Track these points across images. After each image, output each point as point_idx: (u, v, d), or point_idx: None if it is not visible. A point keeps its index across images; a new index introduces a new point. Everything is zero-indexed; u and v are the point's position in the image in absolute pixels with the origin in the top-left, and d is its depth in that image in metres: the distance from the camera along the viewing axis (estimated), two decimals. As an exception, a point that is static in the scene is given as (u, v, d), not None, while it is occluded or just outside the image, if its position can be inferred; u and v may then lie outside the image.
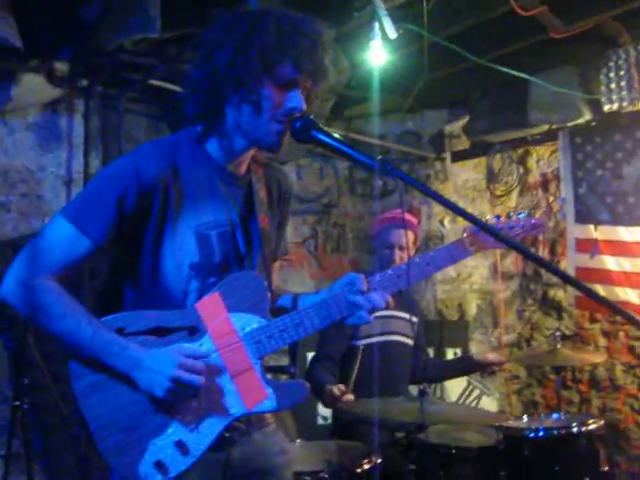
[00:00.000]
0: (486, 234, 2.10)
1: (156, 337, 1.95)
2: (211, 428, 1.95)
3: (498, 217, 2.28)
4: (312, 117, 1.97)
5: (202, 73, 1.98)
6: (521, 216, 2.29)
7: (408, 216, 4.15)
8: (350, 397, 3.48)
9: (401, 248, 3.84)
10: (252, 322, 2.01)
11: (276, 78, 1.93)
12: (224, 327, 1.99)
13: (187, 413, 1.93)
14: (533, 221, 2.29)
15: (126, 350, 1.88)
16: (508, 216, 2.29)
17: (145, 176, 1.94)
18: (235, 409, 1.97)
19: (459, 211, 1.83)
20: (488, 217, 2.30)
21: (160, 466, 1.90)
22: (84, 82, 4.67)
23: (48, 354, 4.09)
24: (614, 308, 1.74)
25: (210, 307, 2.00)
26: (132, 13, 3.77)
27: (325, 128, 1.95)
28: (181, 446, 1.91)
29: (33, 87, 4.30)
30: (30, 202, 4.53)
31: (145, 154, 2.02)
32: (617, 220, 5.06)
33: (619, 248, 5.06)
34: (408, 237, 3.91)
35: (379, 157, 1.86)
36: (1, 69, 4.09)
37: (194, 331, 1.98)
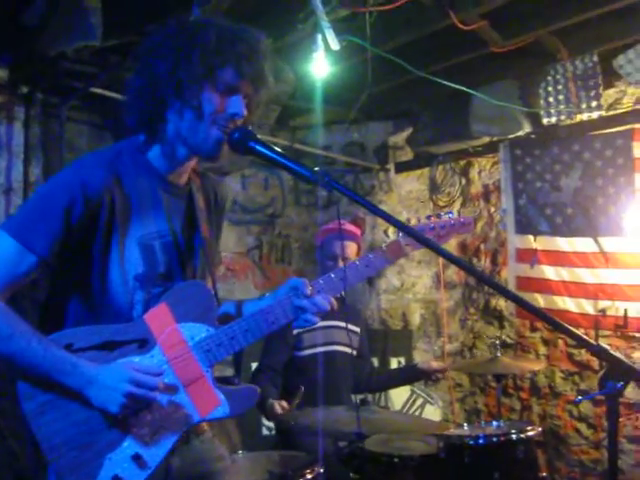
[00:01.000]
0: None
1: (106, 352, 1.93)
2: (166, 439, 1.95)
3: (429, 217, 2.37)
4: (249, 128, 1.98)
5: (143, 80, 1.98)
6: (451, 215, 2.38)
7: (351, 227, 4.17)
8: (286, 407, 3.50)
9: (344, 259, 3.86)
10: (201, 331, 2.02)
11: (217, 83, 1.94)
12: (173, 338, 1.99)
13: (142, 426, 1.92)
14: (462, 219, 2.38)
15: (77, 367, 1.85)
16: (438, 216, 2.38)
17: (91, 188, 1.92)
18: (189, 418, 1.98)
19: (386, 217, 1.86)
20: (420, 217, 2.38)
21: None
22: (24, 89, 4.59)
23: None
24: (549, 320, 1.77)
25: (158, 318, 1.99)
26: (73, 21, 3.72)
27: (262, 140, 1.96)
28: (137, 459, 1.91)
29: (-29, 94, 4.22)
30: (-33, 211, 4.44)
31: (89, 165, 1.99)
32: (556, 231, 5.17)
33: (558, 258, 5.17)
34: (351, 248, 3.94)
35: (316, 169, 1.88)
36: (-62, 75, 4.01)
37: (144, 343, 1.97)
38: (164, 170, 2.08)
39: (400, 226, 1.93)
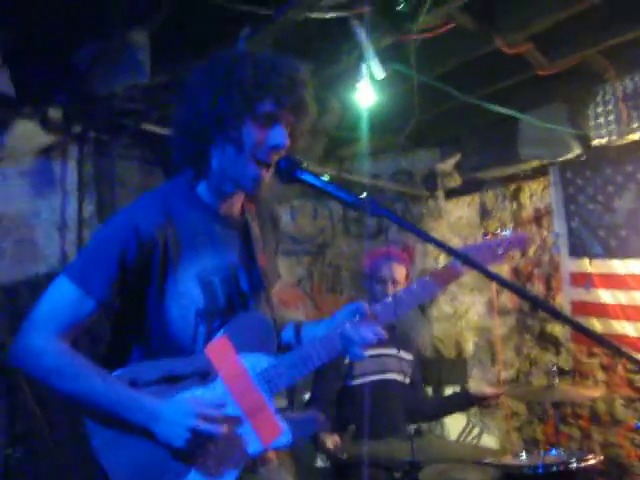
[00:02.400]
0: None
1: (168, 385, 1.95)
2: (231, 469, 1.96)
3: (486, 235, 2.36)
4: (296, 158, 1.99)
5: (186, 117, 2.02)
6: (507, 232, 2.36)
7: (399, 250, 4.16)
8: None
9: (394, 282, 3.83)
10: (262, 361, 2.04)
11: (257, 115, 1.96)
12: (235, 369, 2.01)
13: (207, 457, 1.93)
14: (519, 235, 2.39)
15: (142, 403, 1.88)
16: (495, 234, 2.36)
17: (144, 230, 1.96)
18: (253, 447, 1.99)
19: (436, 242, 1.85)
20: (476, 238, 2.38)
21: None
22: (78, 128, 4.69)
23: (43, 400, 4.06)
24: (607, 344, 1.73)
25: (219, 350, 2.02)
26: (122, 59, 3.81)
27: (309, 168, 1.96)
28: None
29: (26, 134, 4.33)
30: (24, 248, 4.53)
31: (141, 207, 2.04)
32: (610, 253, 5.08)
33: (614, 281, 5.06)
34: (400, 271, 3.91)
35: (363, 195, 1.88)
36: (-6, 117, 4.13)
37: (205, 376, 1.99)
38: (215, 204, 2.11)
39: (449, 249, 1.91)
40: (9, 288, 4.34)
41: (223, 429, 1.90)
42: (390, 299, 2.14)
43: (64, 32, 3.76)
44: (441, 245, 1.87)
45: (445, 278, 2.27)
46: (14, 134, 4.24)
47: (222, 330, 2.05)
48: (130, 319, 2.05)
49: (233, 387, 2.00)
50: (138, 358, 2.04)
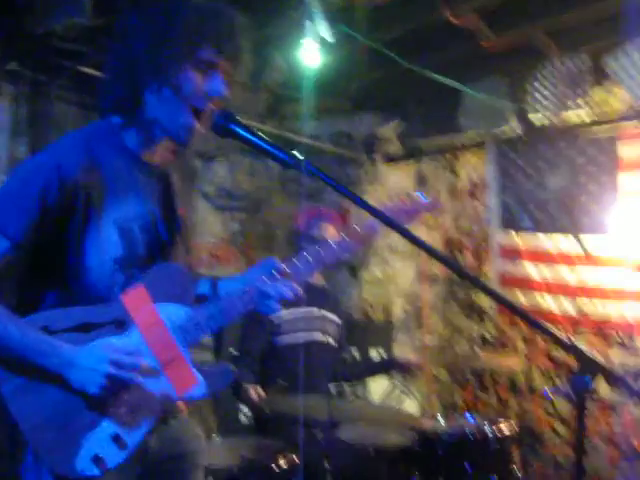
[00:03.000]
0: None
1: (82, 333, 1.91)
2: (145, 419, 1.95)
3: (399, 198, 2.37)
4: (231, 111, 1.96)
5: (120, 61, 1.96)
6: (421, 194, 2.37)
7: (331, 211, 4.18)
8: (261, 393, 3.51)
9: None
10: (178, 311, 2.02)
11: (197, 61, 1.93)
12: (151, 318, 1.99)
13: (120, 406, 1.91)
14: (425, 200, 2.36)
15: (56, 349, 1.83)
16: (409, 195, 2.37)
17: (67, 170, 1.89)
18: (167, 398, 1.98)
19: (359, 202, 1.85)
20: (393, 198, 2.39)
21: (97, 460, 1.88)
22: (13, 65, 4.55)
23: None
24: (528, 318, 1.78)
25: (136, 299, 1.98)
26: (63, -3, 3.71)
27: (244, 122, 1.94)
28: (117, 439, 1.90)
29: (-42, 69, 4.19)
30: (-50, 187, 4.41)
31: (64, 147, 1.97)
32: (538, 227, 5.20)
33: (540, 256, 5.20)
34: (332, 231, 3.93)
35: (295, 152, 1.87)
36: None
37: (121, 324, 1.96)
38: (139, 151, 2.06)
39: (374, 211, 1.91)
40: None
41: (137, 376, 1.87)
42: (306, 255, 2.13)
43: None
44: (365, 206, 1.88)
45: (363, 236, 2.27)
46: (-55, 68, 4.09)
47: (140, 278, 2.01)
48: (46, 263, 1.97)
49: (148, 336, 1.97)
50: (52, 305, 1.97)
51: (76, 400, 1.88)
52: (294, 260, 2.12)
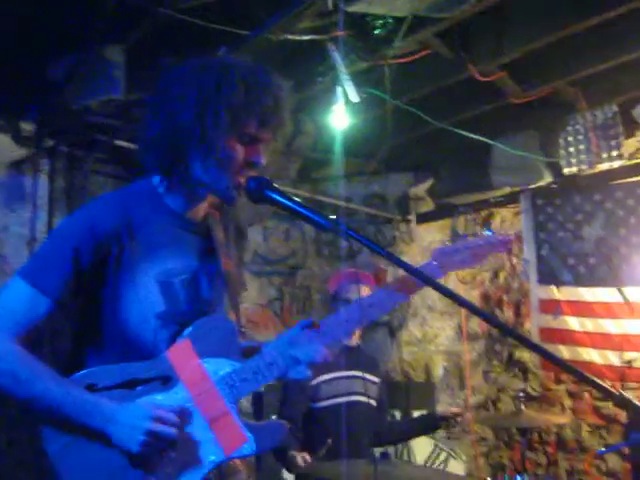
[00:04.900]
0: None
1: (128, 390, 1.91)
2: (190, 478, 1.91)
3: (466, 236, 2.29)
4: (266, 177, 1.97)
5: (164, 125, 1.97)
6: (489, 232, 2.28)
7: (365, 273, 4.17)
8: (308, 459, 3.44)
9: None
10: (224, 366, 2.00)
11: (241, 134, 1.96)
12: (197, 373, 1.97)
13: (165, 464, 1.88)
14: (500, 237, 2.28)
15: (98, 407, 1.84)
16: (475, 235, 2.29)
17: (100, 229, 1.93)
18: (214, 456, 1.94)
19: (405, 266, 1.85)
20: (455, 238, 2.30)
21: None
22: (50, 142, 4.68)
23: (6, 419, 4.00)
24: (574, 372, 1.73)
25: (181, 354, 1.98)
26: (97, 74, 3.81)
27: (279, 188, 1.96)
28: None
29: (-2, 147, 4.31)
30: (-8, 261, 4.50)
31: (98, 208, 2.01)
32: (579, 281, 5.12)
33: (581, 309, 5.10)
34: (366, 293, 3.90)
35: (333, 217, 1.88)
36: (-35, 129, 4.10)
37: (167, 380, 1.96)
38: (181, 209, 2.08)
39: (412, 270, 1.89)
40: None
41: (180, 432, 1.85)
42: (340, 314, 2.10)
43: (39, 45, 3.75)
44: (410, 269, 1.87)
45: (404, 289, 2.21)
46: (-15, 146, 4.21)
47: (184, 334, 2.01)
48: (87, 321, 2.01)
49: (195, 392, 1.95)
50: (97, 362, 1.98)
51: (121, 460, 1.85)
52: (327, 321, 2.10)
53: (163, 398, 1.93)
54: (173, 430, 1.84)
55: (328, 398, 3.81)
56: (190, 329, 2.02)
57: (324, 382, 3.81)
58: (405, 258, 5.29)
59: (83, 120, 4.39)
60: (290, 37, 3.66)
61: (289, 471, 3.66)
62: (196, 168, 1.99)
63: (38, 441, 1.90)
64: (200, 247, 2.13)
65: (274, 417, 3.99)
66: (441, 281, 2.12)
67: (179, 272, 2.04)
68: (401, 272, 1.92)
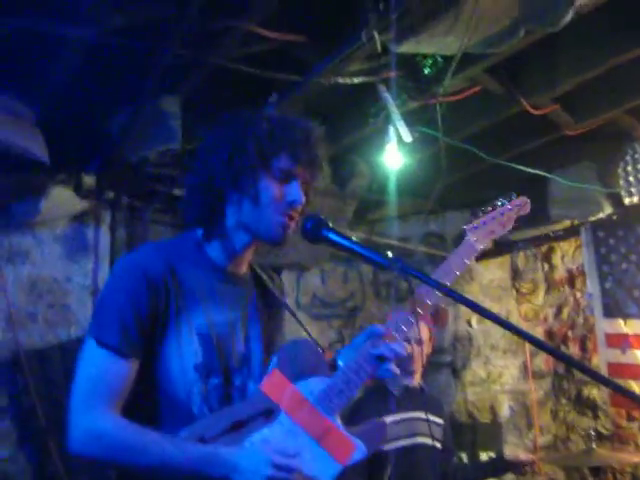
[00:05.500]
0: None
1: (235, 433, 1.91)
2: None
3: (483, 210, 2.44)
4: (322, 217, 1.99)
5: (199, 176, 2.03)
6: (504, 201, 2.47)
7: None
8: None
9: (417, 342, 3.77)
10: (317, 384, 2.03)
11: (273, 170, 1.98)
12: (294, 398, 2.00)
13: None
14: (517, 201, 2.49)
15: (218, 456, 1.84)
16: (493, 206, 2.45)
17: (151, 273, 1.94)
18: (332, 470, 1.96)
19: (464, 300, 1.83)
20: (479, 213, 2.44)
21: None
22: (110, 194, 4.78)
23: (72, 466, 4.04)
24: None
25: (274, 384, 2.01)
26: (154, 126, 3.91)
27: (335, 228, 1.97)
28: None
29: (61, 200, 4.42)
30: (56, 312, 4.58)
31: (146, 255, 2.03)
32: (645, 313, 4.99)
33: (651, 342, 4.96)
34: (423, 330, 3.86)
35: (389, 254, 1.88)
36: (30, 183, 4.22)
37: (269, 413, 1.97)
38: (223, 262, 2.10)
39: (473, 306, 1.88)
40: (41, 353, 4.37)
41: (299, 475, 1.84)
42: (407, 313, 2.13)
43: (97, 100, 3.87)
44: (470, 303, 1.86)
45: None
46: (49, 200, 4.31)
47: (272, 363, 2.05)
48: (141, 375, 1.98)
49: (297, 417, 1.98)
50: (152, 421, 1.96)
51: None
52: (394, 320, 2.12)
53: (271, 431, 1.94)
54: (292, 476, 1.83)
55: (391, 440, 3.74)
56: (275, 357, 2.06)
57: (388, 424, 3.75)
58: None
59: (142, 171, 4.49)
60: (341, 80, 3.69)
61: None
62: (234, 213, 2.03)
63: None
64: (240, 301, 2.14)
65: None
66: (503, 317, 2.14)
67: (219, 325, 2.04)
68: (463, 311, 1.92)
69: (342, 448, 1.98)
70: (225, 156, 1.97)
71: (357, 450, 1.98)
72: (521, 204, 2.50)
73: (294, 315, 2.34)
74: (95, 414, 1.85)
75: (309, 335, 2.29)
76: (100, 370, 1.90)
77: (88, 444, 1.84)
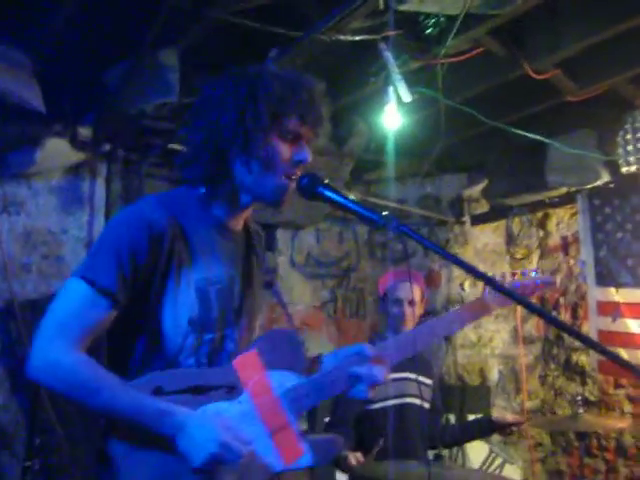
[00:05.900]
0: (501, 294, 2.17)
1: (195, 395, 1.92)
2: None
3: (514, 274, 2.37)
4: (317, 174, 1.99)
5: (205, 134, 1.98)
6: (535, 274, 2.35)
7: (415, 273, 4.15)
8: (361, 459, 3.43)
9: (410, 302, 3.80)
10: (290, 379, 2.04)
11: (283, 132, 1.97)
12: (262, 385, 2.00)
13: (226, 474, 1.88)
14: (546, 279, 2.43)
15: (169, 415, 1.83)
16: (523, 274, 2.36)
17: (156, 227, 1.92)
18: (275, 466, 1.97)
19: (473, 271, 1.84)
20: (504, 273, 2.37)
21: None
22: (107, 147, 4.76)
23: (63, 415, 4.08)
24: (635, 371, 1.70)
25: (248, 365, 2.01)
26: (152, 79, 3.86)
27: (331, 184, 1.97)
28: None
29: (57, 151, 4.39)
30: (51, 263, 4.59)
31: (152, 206, 1.99)
32: (638, 282, 5.00)
33: (642, 310, 4.99)
34: (417, 292, 3.88)
35: (384, 213, 1.87)
36: (26, 133, 4.19)
37: (232, 389, 1.97)
38: (224, 217, 2.09)
39: (468, 268, 1.89)
40: (35, 303, 4.38)
41: (244, 458, 1.84)
42: (404, 337, 2.15)
43: (95, 52, 3.83)
44: (465, 266, 1.86)
45: (476, 312, 2.29)
46: (45, 151, 4.29)
47: (253, 344, 2.05)
48: (130, 322, 1.97)
49: (259, 403, 1.98)
50: (137, 364, 1.98)
51: (178, 466, 1.85)
52: (389, 343, 2.13)
53: (228, 407, 1.94)
54: (243, 449, 1.84)
55: (381, 400, 3.78)
56: (258, 340, 2.07)
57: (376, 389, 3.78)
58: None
59: (138, 124, 4.45)
60: (342, 37, 3.65)
61: (342, 471, 3.65)
62: (241, 173, 2.01)
63: (98, 440, 1.93)
64: (238, 257, 2.15)
65: (327, 419, 3.98)
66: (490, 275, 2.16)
67: (216, 281, 2.04)
68: (456, 274, 1.93)
69: (291, 450, 1.99)
70: (235, 115, 1.94)
71: (303, 458, 2.00)
72: (550, 282, 2.49)
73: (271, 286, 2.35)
74: (60, 345, 1.83)
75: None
76: (80, 307, 1.86)
77: (43, 372, 1.83)
